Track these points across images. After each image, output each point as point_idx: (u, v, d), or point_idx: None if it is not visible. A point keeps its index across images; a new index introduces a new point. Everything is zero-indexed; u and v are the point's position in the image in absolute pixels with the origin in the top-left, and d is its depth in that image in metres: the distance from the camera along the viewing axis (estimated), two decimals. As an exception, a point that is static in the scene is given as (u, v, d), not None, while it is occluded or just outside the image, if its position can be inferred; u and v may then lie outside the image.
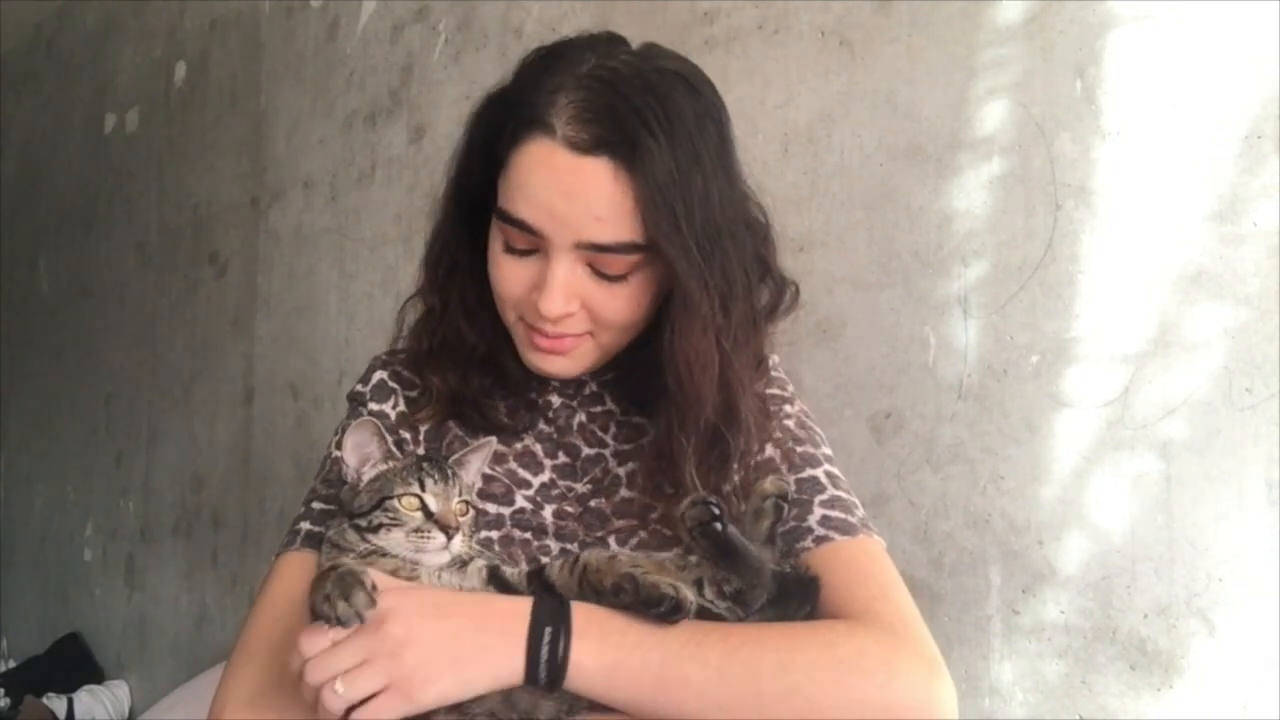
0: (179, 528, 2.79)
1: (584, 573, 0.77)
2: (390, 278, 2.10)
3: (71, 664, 3.07)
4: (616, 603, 0.74)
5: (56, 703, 2.76)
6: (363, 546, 0.78)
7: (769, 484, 0.84)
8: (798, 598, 0.77)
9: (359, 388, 0.97)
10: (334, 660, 0.69)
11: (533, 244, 0.84)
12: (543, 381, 0.95)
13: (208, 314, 2.75)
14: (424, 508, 0.78)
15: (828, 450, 0.93)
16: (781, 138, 1.41)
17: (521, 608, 0.73)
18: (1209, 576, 1.03)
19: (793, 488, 0.85)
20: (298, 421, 2.34)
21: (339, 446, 0.83)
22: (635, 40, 0.89)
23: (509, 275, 0.86)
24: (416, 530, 0.77)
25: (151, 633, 2.89)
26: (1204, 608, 1.03)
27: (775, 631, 0.75)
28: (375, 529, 0.77)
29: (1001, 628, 1.17)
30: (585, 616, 0.73)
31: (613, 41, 0.87)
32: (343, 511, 0.81)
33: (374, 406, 0.95)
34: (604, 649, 0.71)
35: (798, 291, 0.97)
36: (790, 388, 0.98)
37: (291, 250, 2.43)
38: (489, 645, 0.71)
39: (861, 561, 0.83)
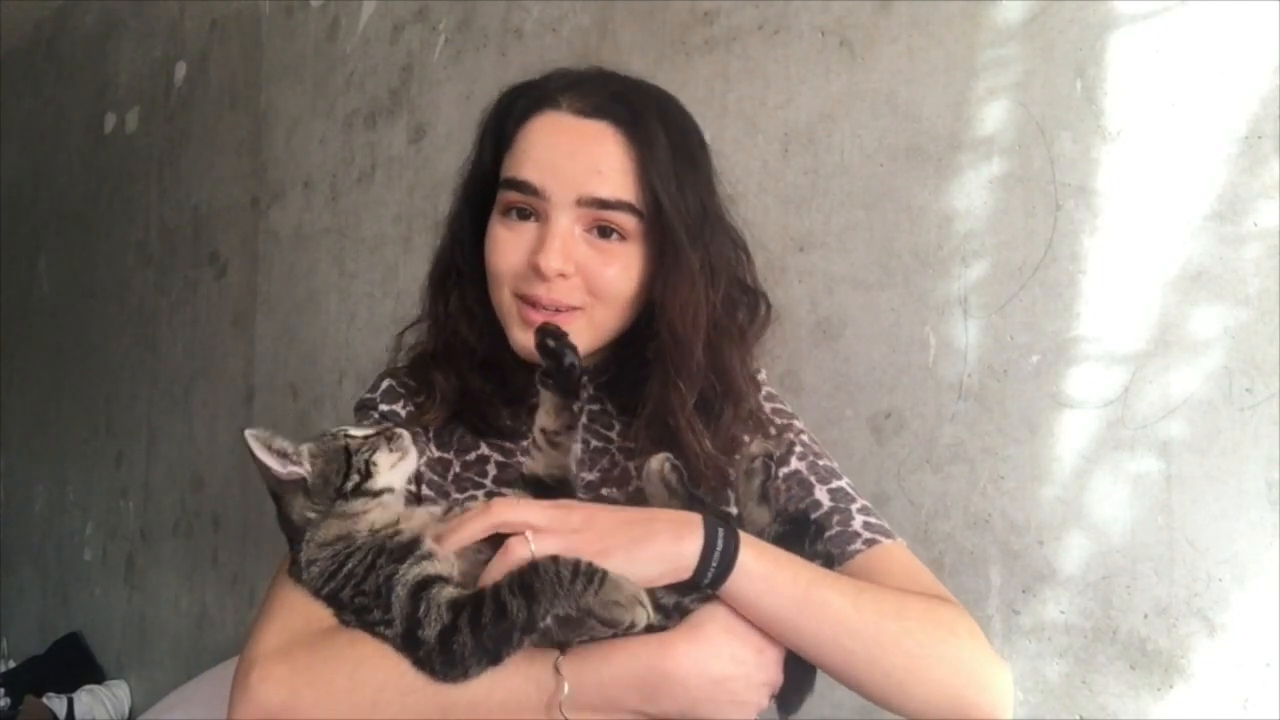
0: (179, 528, 2.79)
1: None
2: (390, 278, 2.10)
3: (71, 664, 3.07)
4: None
5: (56, 703, 2.76)
6: (373, 503, 0.79)
7: (755, 446, 0.90)
8: (809, 536, 0.85)
9: (368, 394, 0.99)
10: (525, 511, 0.75)
11: (533, 205, 0.89)
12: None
13: (208, 314, 2.75)
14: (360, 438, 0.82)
15: (836, 463, 0.98)
16: (781, 138, 1.41)
17: (692, 514, 0.77)
18: (1209, 576, 1.03)
19: (780, 450, 0.92)
20: (298, 421, 2.34)
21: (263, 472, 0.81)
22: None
23: (506, 245, 0.90)
24: (387, 441, 0.81)
25: (151, 633, 2.89)
26: (1204, 608, 1.03)
27: (886, 586, 0.82)
28: (368, 473, 0.79)
29: (1002, 628, 1.17)
30: (745, 532, 0.78)
31: None
32: (322, 503, 0.80)
33: (385, 408, 0.97)
34: (763, 559, 0.76)
35: (770, 307, 1.01)
36: (787, 405, 1.03)
37: (291, 250, 2.43)
38: (661, 533, 0.75)
39: (908, 561, 0.90)
